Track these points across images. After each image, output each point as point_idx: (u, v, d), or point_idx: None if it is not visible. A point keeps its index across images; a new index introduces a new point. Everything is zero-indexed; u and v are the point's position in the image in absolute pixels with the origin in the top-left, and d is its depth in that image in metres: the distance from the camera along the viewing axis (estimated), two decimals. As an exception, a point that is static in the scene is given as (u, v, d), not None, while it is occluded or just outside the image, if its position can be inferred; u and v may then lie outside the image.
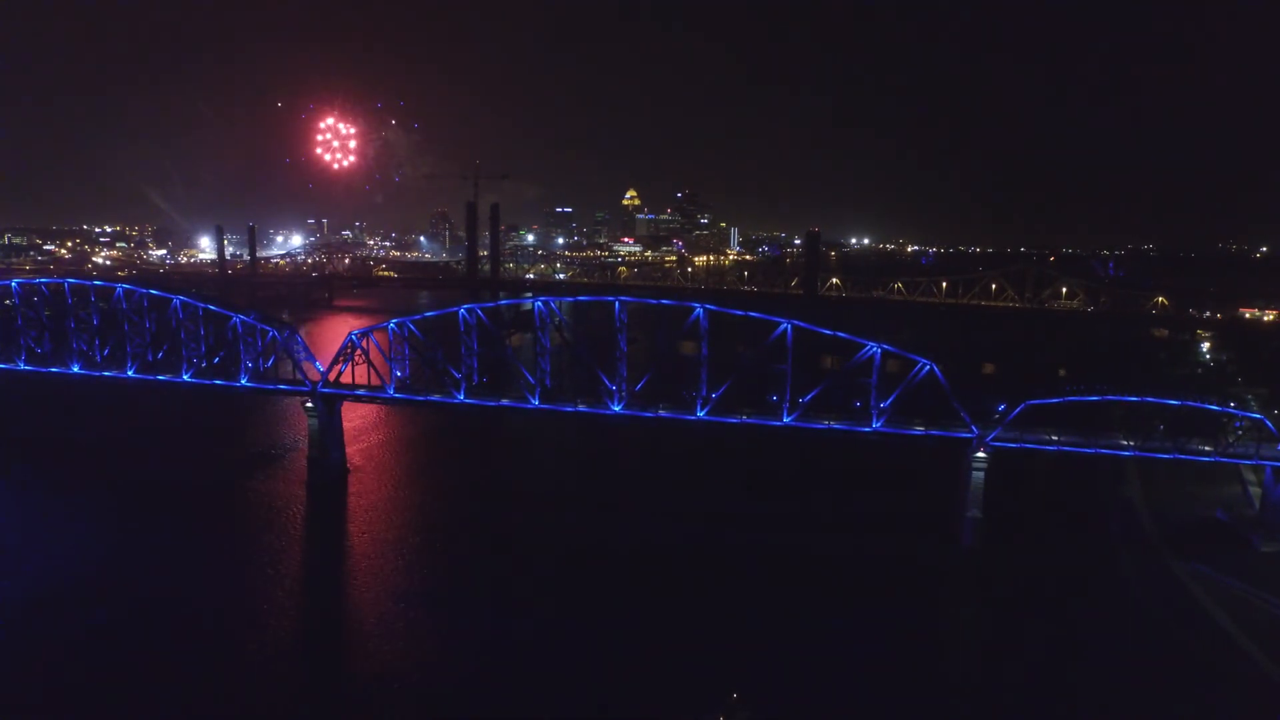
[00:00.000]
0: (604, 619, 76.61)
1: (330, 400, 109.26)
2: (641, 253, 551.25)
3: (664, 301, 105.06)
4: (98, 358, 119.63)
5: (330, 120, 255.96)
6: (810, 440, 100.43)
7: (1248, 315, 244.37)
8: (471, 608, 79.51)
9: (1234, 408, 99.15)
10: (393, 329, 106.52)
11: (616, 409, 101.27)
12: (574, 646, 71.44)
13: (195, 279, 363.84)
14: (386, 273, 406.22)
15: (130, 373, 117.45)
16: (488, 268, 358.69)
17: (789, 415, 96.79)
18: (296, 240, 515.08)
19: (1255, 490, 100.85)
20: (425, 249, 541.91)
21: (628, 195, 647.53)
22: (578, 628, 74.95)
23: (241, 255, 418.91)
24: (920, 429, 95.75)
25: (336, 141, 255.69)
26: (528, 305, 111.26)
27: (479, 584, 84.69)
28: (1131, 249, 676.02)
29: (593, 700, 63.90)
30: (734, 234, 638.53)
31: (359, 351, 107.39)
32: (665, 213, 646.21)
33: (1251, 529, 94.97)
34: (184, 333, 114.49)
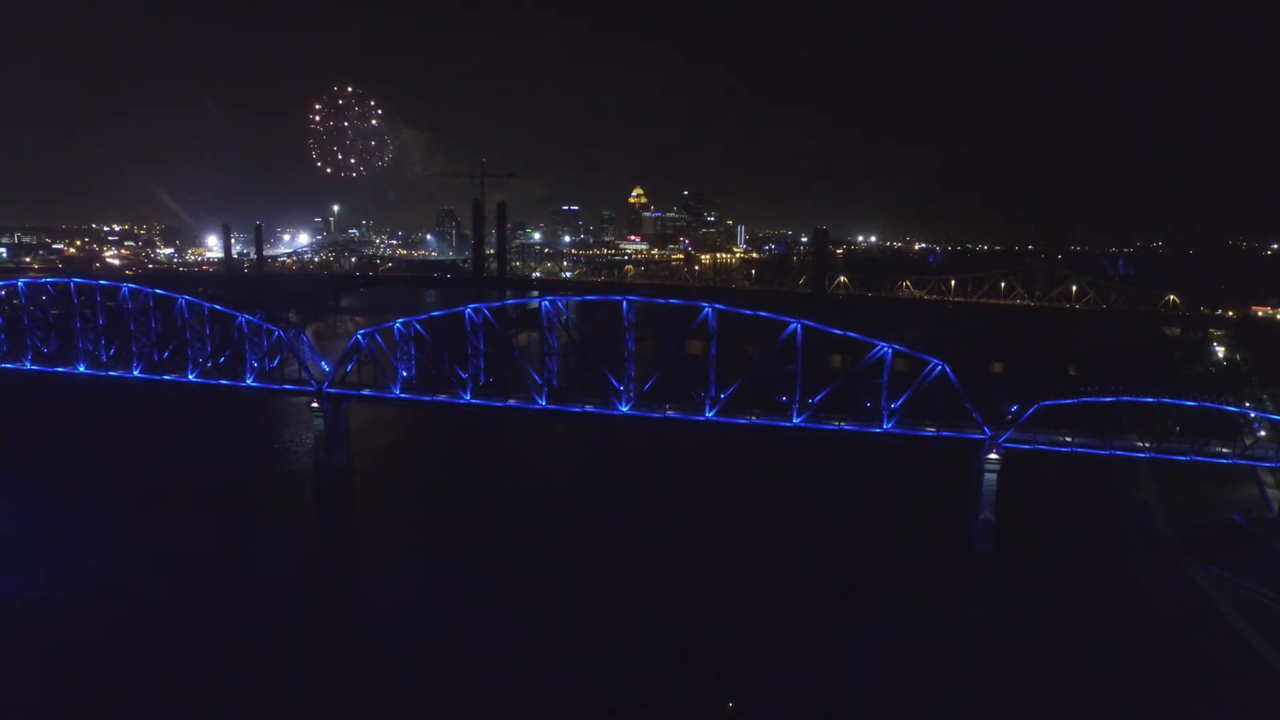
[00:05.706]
0: (604, 623, 75.90)
1: (336, 400, 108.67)
2: (648, 251, 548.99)
3: (672, 301, 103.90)
4: (104, 357, 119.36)
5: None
6: (820, 441, 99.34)
7: (1260, 313, 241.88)
8: (473, 609, 78.82)
9: (1250, 408, 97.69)
10: (399, 329, 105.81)
11: (624, 409, 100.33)
12: (572, 651, 70.66)
13: (202, 277, 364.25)
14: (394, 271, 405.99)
15: (136, 372, 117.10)
16: (494, 266, 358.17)
17: (799, 416, 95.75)
18: (304, 239, 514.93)
19: (1273, 493, 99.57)
20: (432, 247, 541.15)
21: (634, 193, 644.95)
22: (577, 632, 74.18)
23: (249, 254, 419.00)
24: (932, 430, 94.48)
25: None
26: (534, 304, 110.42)
27: (482, 585, 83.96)
28: (1141, 246, 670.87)
29: (588, 708, 63.01)
30: (740, 232, 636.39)
31: (365, 351, 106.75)
32: (672, 211, 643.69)
33: (1269, 532, 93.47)
34: (189, 332, 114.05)
